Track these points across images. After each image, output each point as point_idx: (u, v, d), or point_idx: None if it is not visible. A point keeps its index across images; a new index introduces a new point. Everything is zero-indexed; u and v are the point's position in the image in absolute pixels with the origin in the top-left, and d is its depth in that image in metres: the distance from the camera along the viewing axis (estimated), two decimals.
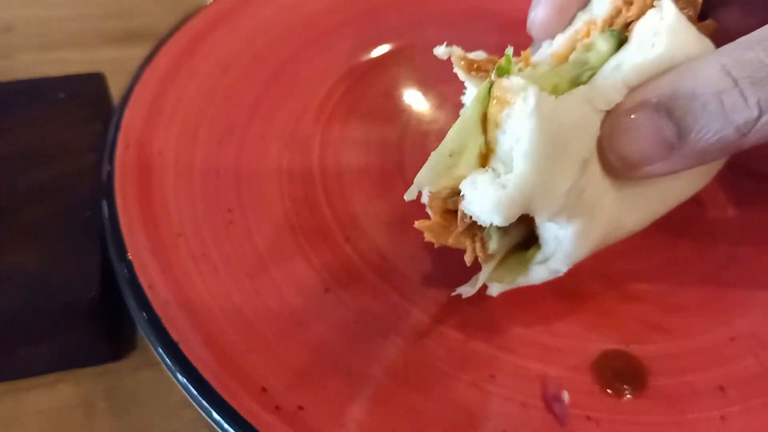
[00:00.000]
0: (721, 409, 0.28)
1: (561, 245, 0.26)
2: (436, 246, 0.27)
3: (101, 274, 0.28)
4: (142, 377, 0.30)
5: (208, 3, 0.41)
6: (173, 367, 0.25)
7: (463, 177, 0.24)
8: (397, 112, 0.39)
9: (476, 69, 0.27)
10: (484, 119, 0.24)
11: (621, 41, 0.27)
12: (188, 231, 0.31)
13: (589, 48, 0.27)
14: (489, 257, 0.26)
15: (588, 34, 0.28)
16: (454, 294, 0.28)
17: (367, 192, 0.35)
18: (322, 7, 0.42)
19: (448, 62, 0.43)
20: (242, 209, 0.32)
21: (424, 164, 0.25)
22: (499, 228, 0.26)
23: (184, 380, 0.25)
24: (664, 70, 0.25)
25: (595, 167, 0.25)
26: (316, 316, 0.29)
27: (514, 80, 0.24)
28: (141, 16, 0.47)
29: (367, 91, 0.39)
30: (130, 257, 0.28)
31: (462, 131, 0.24)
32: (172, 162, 0.33)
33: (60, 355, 0.29)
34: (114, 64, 0.40)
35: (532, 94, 0.23)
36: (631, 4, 0.27)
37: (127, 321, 0.31)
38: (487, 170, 0.24)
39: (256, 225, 0.32)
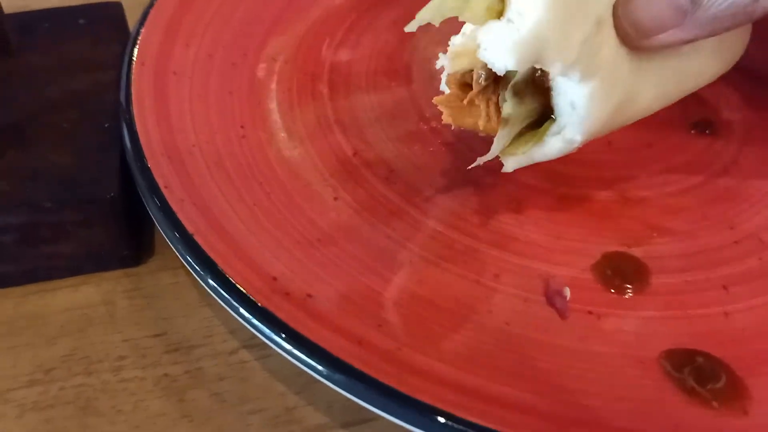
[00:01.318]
0: (724, 306, 0.28)
1: (576, 111, 0.26)
2: (453, 127, 0.29)
3: (120, 179, 0.29)
4: (160, 280, 0.31)
5: None
6: (188, 256, 0.27)
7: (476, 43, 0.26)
8: (407, 37, 0.39)
9: None
10: None
11: None
12: (203, 142, 0.32)
13: None
14: (503, 122, 0.27)
15: None
16: (472, 166, 0.28)
17: (375, 110, 0.35)
18: None
19: None
20: (254, 125, 0.34)
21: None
22: (514, 94, 0.27)
23: (198, 267, 0.26)
24: None
25: (611, 31, 0.26)
26: (324, 219, 0.30)
27: None
28: None
29: (378, 18, 0.40)
30: (147, 160, 0.29)
31: None
32: (188, 81, 0.34)
33: (82, 258, 0.30)
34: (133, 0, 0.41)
35: None
36: None
37: (146, 229, 0.32)
38: (501, 20, 0.25)
39: (267, 140, 0.33)
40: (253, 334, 0.26)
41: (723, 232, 0.31)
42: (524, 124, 0.28)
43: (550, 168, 0.33)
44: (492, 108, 0.27)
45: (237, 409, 0.27)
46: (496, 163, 0.33)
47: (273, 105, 0.35)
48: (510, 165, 0.29)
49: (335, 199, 0.31)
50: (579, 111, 0.26)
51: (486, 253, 0.30)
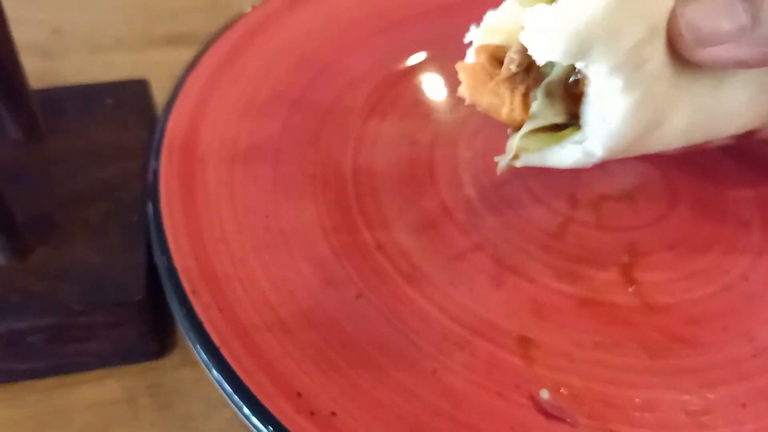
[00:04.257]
0: (741, 425, 0.28)
1: (606, 124, 0.25)
2: (467, 102, 0.27)
3: (147, 277, 0.30)
4: (183, 375, 0.31)
5: (248, 10, 0.42)
6: (214, 371, 0.27)
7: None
8: (428, 120, 0.40)
9: None
10: None
11: None
12: (228, 236, 0.32)
13: None
14: (526, 117, 0.26)
15: None
16: (498, 172, 0.27)
17: (398, 199, 0.36)
18: (361, 15, 0.43)
19: None
20: (278, 215, 0.34)
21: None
22: (546, 94, 0.26)
23: (225, 384, 0.26)
24: None
25: (661, 46, 0.25)
26: (349, 321, 0.30)
27: None
28: (184, 20, 0.48)
29: (401, 100, 0.40)
30: (175, 263, 0.30)
31: None
32: (213, 169, 0.34)
33: (106, 352, 0.30)
34: (158, 67, 0.42)
35: None
36: None
37: (169, 320, 0.32)
38: (552, 5, 0.23)
39: (291, 231, 0.33)
40: None
41: (743, 346, 0.31)
42: (545, 125, 0.26)
43: (572, 270, 0.33)
44: (518, 99, 0.25)
45: None
46: (518, 263, 0.34)
47: (297, 193, 0.35)
48: (521, 161, 0.27)
49: (358, 296, 0.31)
50: (610, 125, 0.25)
51: (508, 361, 0.30)
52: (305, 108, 0.39)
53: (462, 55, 0.28)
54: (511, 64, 0.25)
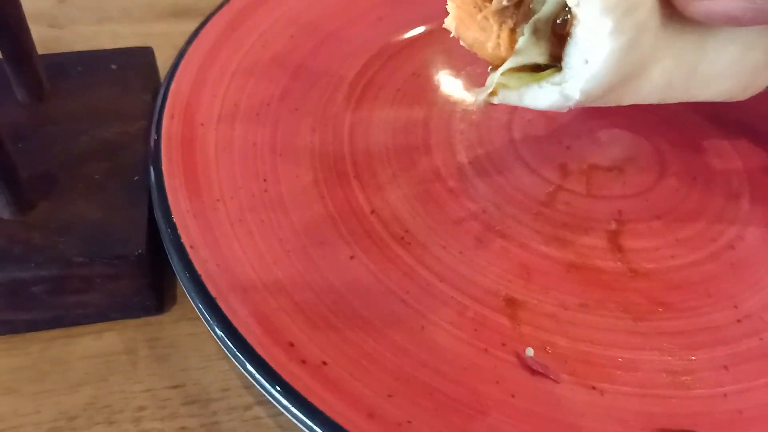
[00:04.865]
0: (724, 387, 0.29)
1: (587, 67, 0.25)
2: (452, 34, 0.27)
3: (148, 233, 0.31)
4: (180, 330, 0.32)
5: None
6: (210, 320, 0.28)
7: None
8: (425, 91, 0.41)
9: None
10: None
11: None
12: (227, 197, 0.33)
13: None
14: (510, 54, 0.26)
15: None
16: (475, 107, 0.28)
17: (392, 166, 0.36)
18: None
19: None
20: (276, 178, 0.35)
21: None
22: (533, 31, 0.26)
23: (220, 332, 0.27)
24: None
25: None
26: (342, 280, 0.31)
27: None
28: None
29: (398, 71, 0.41)
30: (174, 219, 0.30)
31: None
32: (213, 133, 0.35)
33: (107, 306, 0.31)
34: (163, 38, 0.43)
35: None
36: None
37: (168, 277, 0.33)
38: None
39: (288, 193, 0.34)
40: None
41: (726, 311, 0.31)
42: (528, 63, 0.26)
43: (560, 236, 0.34)
44: (505, 33, 0.26)
45: None
46: (507, 228, 0.34)
47: (294, 158, 0.36)
48: (498, 98, 0.27)
49: (351, 257, 0.32)
50: (591, 67, 0.25)
51: (495, 321, 0.31)
52: (305, 76, 0.40)
53: None
54: None
